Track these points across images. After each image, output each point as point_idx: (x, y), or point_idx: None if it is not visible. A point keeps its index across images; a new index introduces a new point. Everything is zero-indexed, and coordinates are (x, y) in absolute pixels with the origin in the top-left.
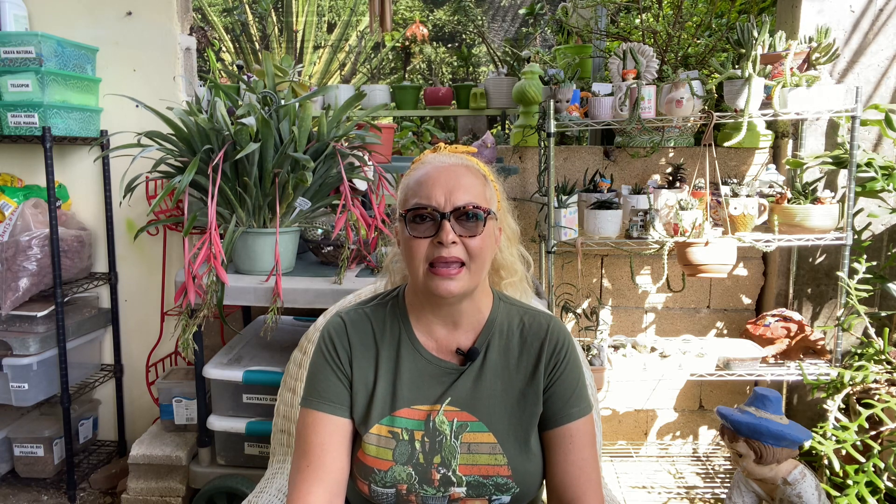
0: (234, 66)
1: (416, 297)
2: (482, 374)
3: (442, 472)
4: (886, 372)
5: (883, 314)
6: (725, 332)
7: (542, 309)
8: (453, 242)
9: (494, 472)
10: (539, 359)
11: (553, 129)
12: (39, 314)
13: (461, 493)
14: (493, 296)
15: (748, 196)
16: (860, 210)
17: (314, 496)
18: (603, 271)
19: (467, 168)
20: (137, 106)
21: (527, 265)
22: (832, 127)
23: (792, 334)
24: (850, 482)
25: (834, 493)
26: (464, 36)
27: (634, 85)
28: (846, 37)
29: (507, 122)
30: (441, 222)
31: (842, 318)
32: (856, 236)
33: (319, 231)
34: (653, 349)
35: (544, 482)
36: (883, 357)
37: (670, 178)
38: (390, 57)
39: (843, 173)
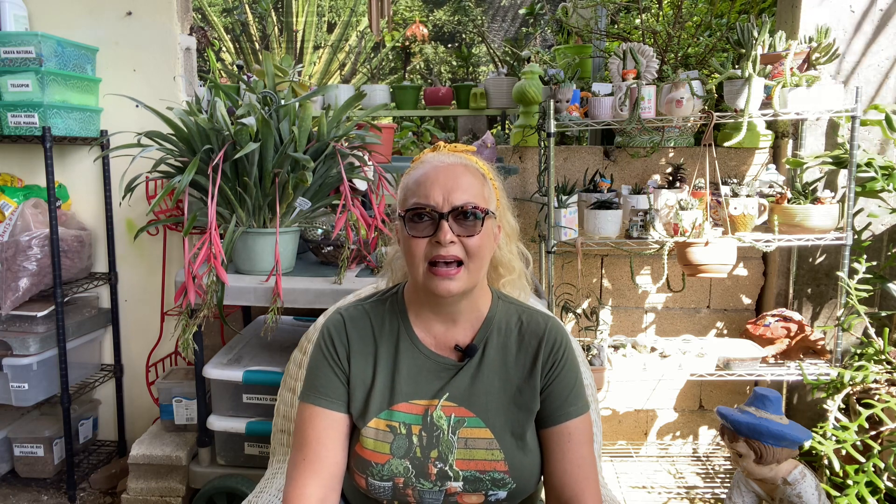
0: (234, 66)
1: (416, 295)
2: (480, 371)
3: (439, 466)
4: (886, 372)
5: (883, 314)
6: (725, 332)
7: (541, 308)
8: (451, 242)
9: (491, 467)
10: (536, 357)
11: (553, 129)
12: (39, 314)
13: (458, 488)
14: (492, 294)
15: (748, 196)
16: (860, 210)
17: (309, 489)
18: (603, 271)
19: (466, 167)
20: (137, 106)
21: (526, 262)
22: (832, 127)
23: (792, 334)
24: (850, 482)
25: (834, 493)
26: (464, 36)
27: (634, 85)
28: (846, 37)
29: (507, 122)
30: (439, 222)
31: (842, 318)
32: (856, 236)
33: (319, 231)
34: (653, 349)
35: (542, 480)
36: (883, 357)
37: (670, 178)
38: (390, 57)
39: (843, 173)
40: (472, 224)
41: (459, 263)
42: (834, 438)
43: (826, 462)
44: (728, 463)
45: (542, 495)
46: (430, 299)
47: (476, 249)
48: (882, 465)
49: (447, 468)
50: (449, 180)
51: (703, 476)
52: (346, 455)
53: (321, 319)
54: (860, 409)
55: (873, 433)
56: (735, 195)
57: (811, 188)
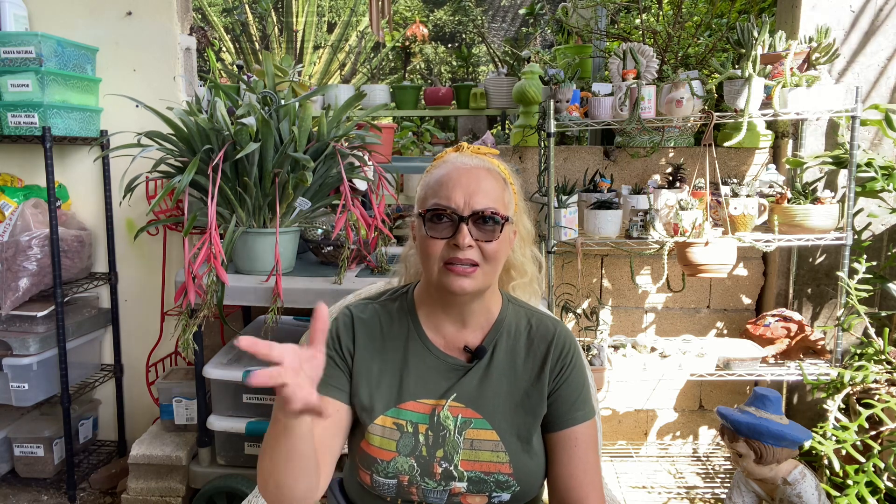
0: (234, 66)
1: (428, 294)
2: (488, 373)
3: (444, 466)
4: (886, 372)
5: (883, 314)
6: (725, 332)
7: (549, 313)
8: (469, 246)
9: (496, 469)
10: (545, 362)
11: (553, 129)
12: (39, 314)
13: (462, 488)
14: (503, 297)
15: (748, 196)
16: (860, 210)
17: None
18: (603, 271)
19: (489, 171)
20: (137, 106)
21: (538, 266)
22: (832, 127)
23: (792, 334)
24: (850, 482)
25: (834, 493)
26: (464, 36)
27: (634, 85)
28: (846, 36)
29: (507, 122)
30: (459, 225)
31: (842, 318)
32: (856, 236)
33: (319, 231)
34: (653, 349)
35: (546, 484)
36: (883, 357)
37: (670, 178)
38: (390, 57)
39: (843, 173)
40: (491, 229)
41: (474, 265)
42: (834, 438)
43: (826, 462)
44: (728, 463)
45: (545, 498)
46: (443, 298)
47: (493, 254)
48: (882, 465)
49: (452, 468)
50: (471, 183)
51: (703, 476)
52: (341, 441)
53: None
54: (860, 409)
55: (873, 433)
56: (735, 195)
57: (811, 188)
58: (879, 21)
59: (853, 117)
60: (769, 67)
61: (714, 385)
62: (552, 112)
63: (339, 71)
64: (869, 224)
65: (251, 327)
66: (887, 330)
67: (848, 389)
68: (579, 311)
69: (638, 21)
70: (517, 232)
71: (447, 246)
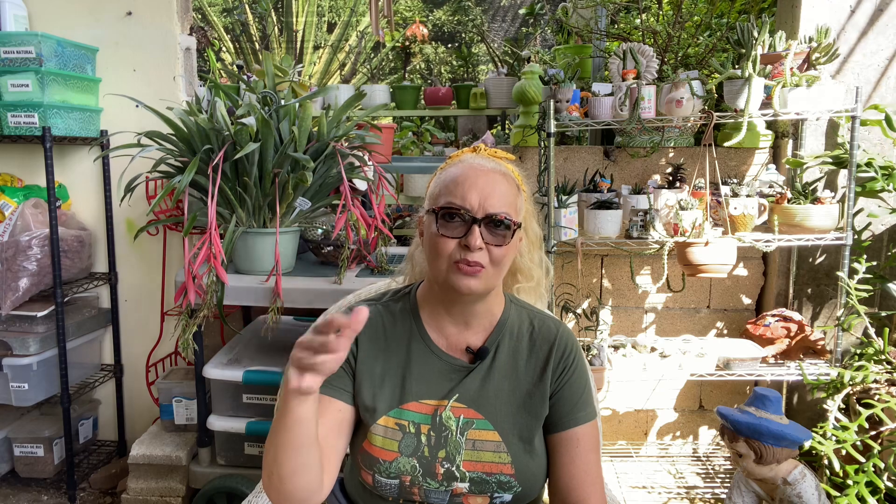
0: (234, 66)
1: (432, 294)
2: (490, 374)
3: (446, 466)
4: (886, 372)
5: (883, 314)
6: (725, 332)
7: (551, 314)
8: (479, 248)
9: (497, 469)
10: (547, 363)
11: (553, 129)
12: (39, 314)
13: (464, 489)
14: (505, 298)
15: (748, 196)
16: (860, 210)
17: None
18: (603, 271)
19: (504, 176)
20: (137, 106)
21: (546, 272)
22: (832, 127)
23: (792, 334)
24: (850, 482)
25: (834, 493)
26: (464, 36)
27: (634, 85)
28: (846, 37)
29: (507, 122)
30: (471, 226)
31: (842, 318)
32: (856, 236)
33: (319, 231)
34: (653, 349)
35: (547, 484)
36: (883, 357)
37: (670, 178)
38: (390, 57)
39: (843, 173)
40: (502, 234)
41: (481, 267)
42: (834, 438)
43: (826, 462)
44: (728, 463)
45: (545, 498)
46: (447, 297)
47: (500, 258)
48: (882, 465)
49: (454, 469)
50: (487, 186)
51: (703, 476)
52: (345, 442)
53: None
54: (860, 409)
55: (873, 433)
56: (735, 195)
57: (811, 188)
58: (879, 21)
59: (853, 117)
60: (769, 67)
61: (714, 385)
62: (552, 112)
63: (339, 71)
64: (869, 224)
65: (251, 327)
66: (887, 330)
67: (848, 389)
68: (579, 311)
69: (638, 21)
70: (525, 236)
71: (458, 246)
